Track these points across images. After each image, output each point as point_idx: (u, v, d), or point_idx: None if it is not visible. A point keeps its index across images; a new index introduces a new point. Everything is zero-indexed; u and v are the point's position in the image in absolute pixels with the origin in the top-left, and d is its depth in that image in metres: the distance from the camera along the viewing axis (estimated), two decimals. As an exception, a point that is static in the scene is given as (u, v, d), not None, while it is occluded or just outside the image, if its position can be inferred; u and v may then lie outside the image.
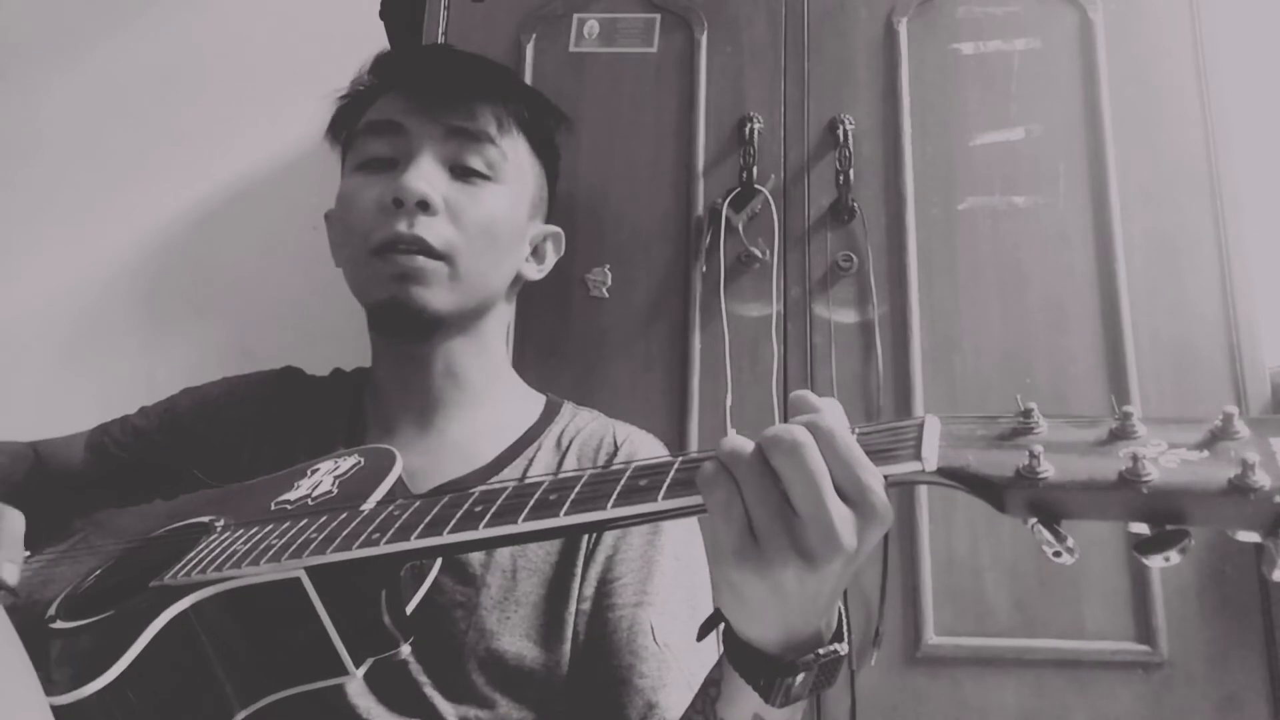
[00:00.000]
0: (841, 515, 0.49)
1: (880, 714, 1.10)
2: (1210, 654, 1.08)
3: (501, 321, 0.95)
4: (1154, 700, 1.08)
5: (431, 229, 0.82)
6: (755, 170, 1.24)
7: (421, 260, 0.82)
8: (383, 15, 1.45)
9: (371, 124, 0.88)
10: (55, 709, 0.52)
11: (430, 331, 0.86)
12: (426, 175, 0.83)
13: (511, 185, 0.89)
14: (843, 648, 0.55)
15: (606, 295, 1.25)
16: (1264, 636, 1.08)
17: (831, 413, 0.51)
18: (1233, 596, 1.10)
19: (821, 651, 0.54)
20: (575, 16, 1.34)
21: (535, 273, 0.97)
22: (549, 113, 0.98)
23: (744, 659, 0.56)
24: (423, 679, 0.76)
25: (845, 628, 0.57)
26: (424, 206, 0.82)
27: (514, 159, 0.90)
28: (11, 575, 0.69)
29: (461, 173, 0.86)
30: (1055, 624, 1.10)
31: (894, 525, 1.15)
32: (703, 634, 0.59)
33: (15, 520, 0.71)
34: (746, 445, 0.50)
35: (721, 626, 0.58)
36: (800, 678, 0.54)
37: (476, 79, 0.90)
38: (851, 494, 0.49)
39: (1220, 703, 1.07)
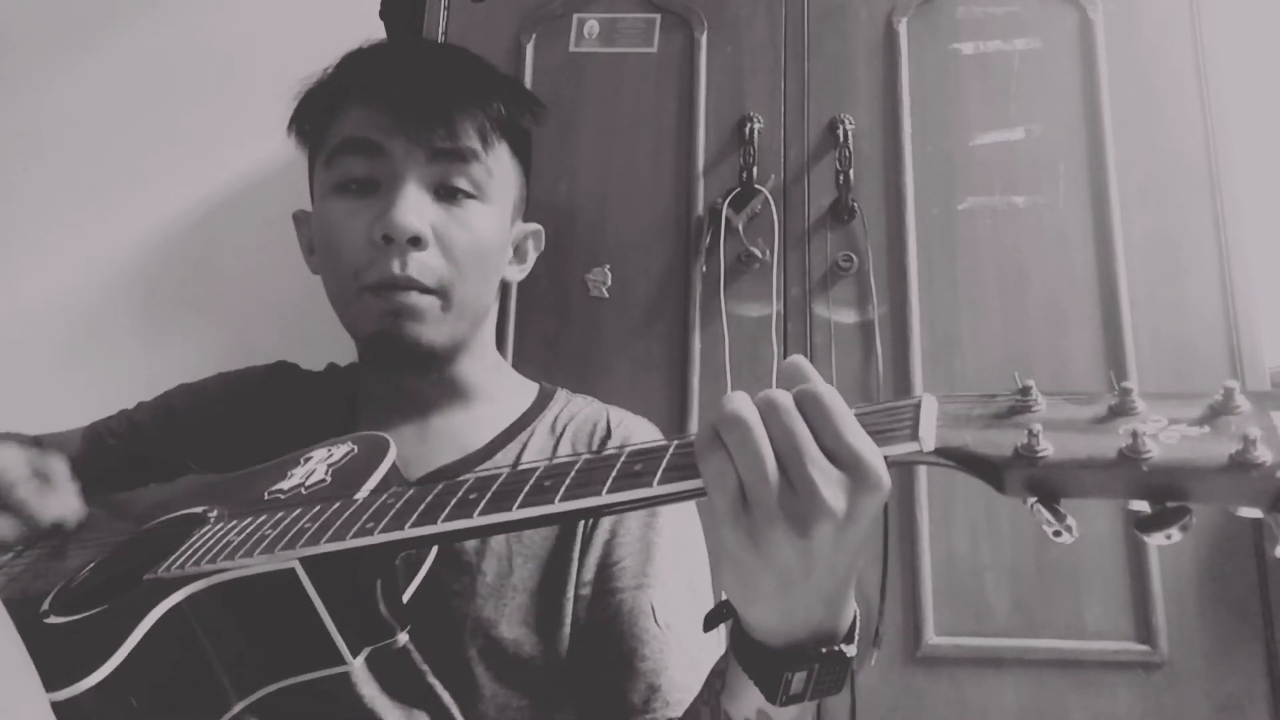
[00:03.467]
0: (827, 476, 0.48)
1: (880, 714, 1.10)
2: (1210, 654, 1.08)
3: (491, 324, 0.94)
4: (1154, 700, 1.07)
5: (424, 267, 0.81)
6: (755, 170, 1.24)
7: (415, 296, 0.81)
8: (383, 15, 1.45)
9: (350, 142, 0.84)
10: (52, 705, 0.52)
11: (426, 365, 0.86)
12: (415, 207, 0.81)
13: (497, 200, 0.87)
14: (849, 649, 0.55)
15: (606, 295, 1.25)
16: (1264, 636, 1.08)
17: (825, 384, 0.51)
18: (1233, 597, 1.09)
19: (824, 650, 0.54)
20: (575, 16, 1.34)
21: (518, 274, 0.96)
22: (526, 104, 0.94)
23: (747, 651, 0.56)
24: (425, 667, 0.76)
25: (855, 632, 0.56)
26: (415, 242, 0.81)
27: (498, 172, 0.87)
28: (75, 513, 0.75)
29: (447, 193, 0.84)
30: (1055, 624, 1.10)
31: (894, 526, 1.16)
32: (709, 625, 0.58)
33: (60, 462, 0.78)
34: (739, 410, 0.49)
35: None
36: (801, 675, 0.54)
37: (456, 88, 0.86)
38: (840, 457, 0.48)
39: (1220, 703, 1.07)
